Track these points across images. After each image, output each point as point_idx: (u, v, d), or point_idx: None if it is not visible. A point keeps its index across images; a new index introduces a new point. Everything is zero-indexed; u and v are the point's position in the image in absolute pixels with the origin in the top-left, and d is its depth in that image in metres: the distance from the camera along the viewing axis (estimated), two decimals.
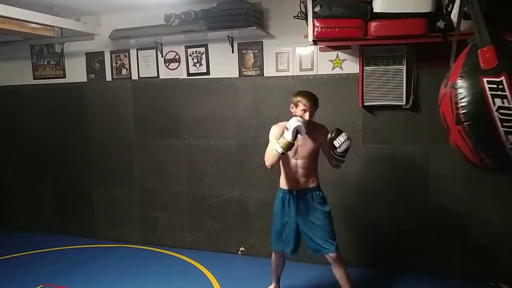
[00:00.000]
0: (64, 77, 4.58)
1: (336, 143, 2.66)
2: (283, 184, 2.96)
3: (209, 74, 4.00)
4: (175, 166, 4.23)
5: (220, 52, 3.92)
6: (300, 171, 2.87)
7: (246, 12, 3.47)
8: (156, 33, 3.91)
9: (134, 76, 4.28)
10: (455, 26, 1.80)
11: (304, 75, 3.68)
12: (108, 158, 4.47)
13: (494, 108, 1.45)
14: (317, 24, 2.91)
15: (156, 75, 4.20)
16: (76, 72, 4.50)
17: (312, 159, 2.88)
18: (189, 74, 4.08)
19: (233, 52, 3.87)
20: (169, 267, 3.84)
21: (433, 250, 3.50)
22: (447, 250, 3.46)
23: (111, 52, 4.32)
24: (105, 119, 4.43)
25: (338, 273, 2.89)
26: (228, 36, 3.77)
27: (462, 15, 1.75)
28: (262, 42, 3.77)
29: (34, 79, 4.72)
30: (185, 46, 4.04)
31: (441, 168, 3.37)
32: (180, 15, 3.62)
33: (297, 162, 2.86)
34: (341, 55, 3.55)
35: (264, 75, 3.81)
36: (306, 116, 2.71)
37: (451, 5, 2.46)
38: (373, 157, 3.56)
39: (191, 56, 4.04)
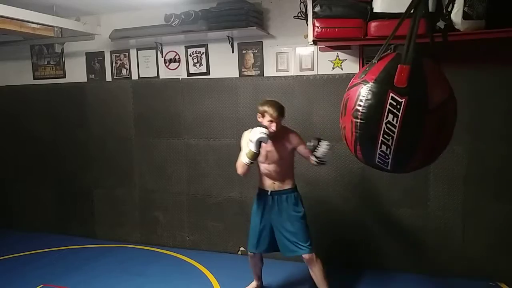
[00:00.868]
0: (64, 77, 4.58)
1: (317, 153, 2.68)
2: (260, 184, 3.01)
3: (209, 74, 4.01)
4: (175, 166, 4.23)
5: (220, 52, 3.92)
6: (273, 174, 2.92)
7: (246, 12, 3.47)
8: (156, 33, 3.92)
9: (134, 76, 4.28)
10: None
11: (304, 75, 3.68)
12: (108, 158, 4.47)
13: (385, 120, 1.66)
14: (317, 24, 2.91)
15: (156, 75, 4.20)
16: (76, 72, 4.51)
17: (284, 163, 2.92)
18: (189, 74, 4.08)
19: (233, 52, 3.87)
20: (169, 267, 3.84)
21: (433, 250, 3.50)
22: (447, 250, 3.46)
23: (111, 52, 4.32)
24: (105, 119, 4.43)
25: (313, 273, 2.92)
26: (228, 36, 3.77)
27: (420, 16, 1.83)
28: (262, 42, 3.77)
29: (34, 79, 4.72)
30: (185, 46, 4.04)
31: (441, 168, 3.37)
32: (180, 15, 3.62)
33: (269, 166, 2.90)
34: (341, 55, 3.55)
35: (264, 75, 3.81)
36: (273, 127, 2.76)
37: (451, 5, 2.46)
38: None
39: (191, 56, 4.04)
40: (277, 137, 2.82)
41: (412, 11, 1.80)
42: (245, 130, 2.94)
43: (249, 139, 2.68)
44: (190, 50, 4.03)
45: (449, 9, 2.47)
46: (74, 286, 3.46)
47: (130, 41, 4.15)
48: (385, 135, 1.67)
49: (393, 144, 1.67)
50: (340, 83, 3.56)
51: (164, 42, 4.07)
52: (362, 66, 3.35)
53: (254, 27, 3.49)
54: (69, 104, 4.57)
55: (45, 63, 4.64)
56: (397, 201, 3.54)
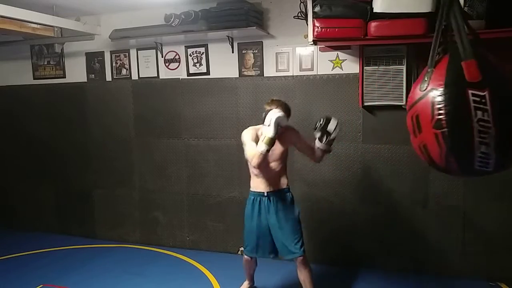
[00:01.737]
0: (64, 77, 4.58)
1: (330, 128, 2.73)
2: (253, 186, 2.97)
3: (209, 74, 4.00)
4: (175, 166, 4.23)
5: (220, 52, 3.92)
6: (271, 173, 2.90)
7: (246, 12, 3.47)
8: (156, 33, 3.92)
9: (134, 76, 4.28)
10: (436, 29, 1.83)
11: (304, 75, 3.67)
12: (108, 158, 4.47)
13: (475, 119, 1.55)
14: (317, 24, 2.91)
15: (156, 75, 4.20)
16: (76, 72, 4.50)
17: (282, 161, 2.92)
18: (189, 74, 4.08)
19: (233, 52, 3.87)
20: (169, 267, 3.84)
21: (433, 250, 3.49)
22: (447, 250, 3.46)
23: (111, 52, 4.32)
24: (105, 119, 4.43)
25: (302, 276, 2.90)
26: (228, 36, 3.77)
27: (444, 18, 1.79)
28: (262, 42, 3.77)
29: (34, 79, 4.72)
30: (185, 46, 4.04)
31: None
32: (180, 15, 3.62)
33: (270, 164, 2.87)
34: (341, 55, 3.55)
35: (264, 75, 3.81)
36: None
37: None
38: (373, 157, 3.56)
39: (191, 56, 4.04)
40: (279, 136, 2.79)
41: (446, 10, 1.73)
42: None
43: (265, 124, 2.62)
44: (190, 50, 4.03)
45: None
46: (74, 286, 3.46)
47: (130, 41, 4.15)
48: (481, 134, 1.55)
49: (492, 141, 1.55)
50: (340, 83, 3.57)
51: (164, 42, 4.07)
52: (362, 66, 3.35)
53: (254, 27, 3.50)
54: (69, 104, 4.57)
55: (45, 63, 4.64)
56: (397, 201, 3.54)
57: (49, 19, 3.72)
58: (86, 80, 4.47)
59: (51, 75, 4.63)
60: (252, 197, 2.98)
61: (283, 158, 2.92)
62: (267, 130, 2.62)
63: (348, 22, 2.89)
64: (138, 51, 4.23)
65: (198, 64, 4.03)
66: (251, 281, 3.30)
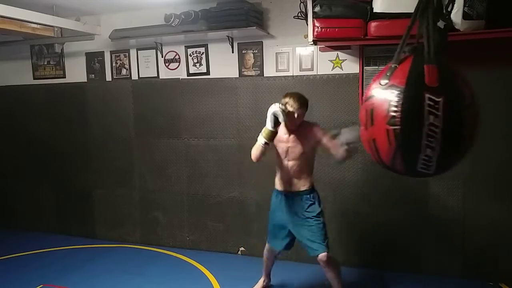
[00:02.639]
0: (64, 77, 4.58)
1: (347, 136, 2.61)
2: (277, 184, 2.98)
3: (209, 74, 4.01)
4: (175, 166, 4.23)
5: (220, 52, 3.92)
6: (292, 172, 2.86)
7: (246, 12, 3.47)
8: (156, 33, 3.92)
9: (134, 76, 4.28)
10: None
11: (304, 75, 3.68)
12: (108, 158, 4.47)
13: (426, 123, 1.58)
14: (317, 24, 2.91)
15: (156, 75, 4.20)
16: (76, 72, 4.50)
17: (304, 161, 2.85)
18: (189, 74, 4.08)
19: (233, 52, 3.87)
20: (169, 267, 3.84)
21: (433, 250, 3.50)
22: (447, 250, 3.46)
23: (111, 52, 4.32)
24: (105, 119, 4.43)
25: (328, 275, 2.88)
26: (228, 36, 3.77)
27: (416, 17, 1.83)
28: (262, 42, 3.77)
29: (34, 79, 4.72)
30: (185, 46, 4.04)
31: None
32: (180, 15, 3.62)
33: (289, 163, 2.85)
34: (341, 55, 3.55)
35: (264, 75, 3.81)
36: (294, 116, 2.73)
37: (451, 5, 2.46)
38: None
39: (191, 56, 4.04)
40: (299, 131, 2.77)
41: (420, 11, 1.75)
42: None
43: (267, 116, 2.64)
44: (190, 50, 4.03)
45: (449, 9, 2.47)
46: (74, 286, 3.46)
47: (130, 41, 4.15)
48: (429, 138, 1.59)
49: (438, 146, 1.60)
50: (340, 83, 3.57)
51: (164, 42, 4.07)
52: (362, 66, 3.35)
53: (254, 27, 3.50)
54: (69, 104, 4.57)
55: (45, 63, 4.64)
56: (397, 201, 3.54)
57: (49, 19, 3.72)
58: (86, 80, 4.48)
59: (51, 75, 4.63)
60: (275, 194, 3.00)
61: (304, 158, 2.84)
62: (267, 122, 2.66)
63: (348, 22, 2.89)
64: (138, 51, 4.23)
65: (198, 64, 4.03)
66: (268, 277, 3.27)
